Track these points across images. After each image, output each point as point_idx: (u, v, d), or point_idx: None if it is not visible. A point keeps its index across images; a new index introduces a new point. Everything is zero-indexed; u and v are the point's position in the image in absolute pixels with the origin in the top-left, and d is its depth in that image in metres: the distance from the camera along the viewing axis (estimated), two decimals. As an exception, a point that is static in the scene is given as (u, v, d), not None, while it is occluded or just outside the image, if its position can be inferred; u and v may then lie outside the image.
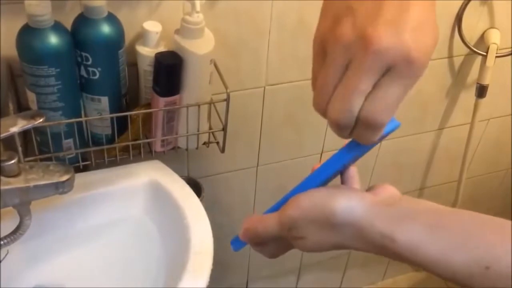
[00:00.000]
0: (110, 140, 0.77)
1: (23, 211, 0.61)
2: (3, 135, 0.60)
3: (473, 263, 0.33)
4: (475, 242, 0.33)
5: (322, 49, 0.34)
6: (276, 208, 0.40)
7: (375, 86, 0.32)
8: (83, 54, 0.69)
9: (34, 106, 0.70)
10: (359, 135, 0.34)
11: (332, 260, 1.39)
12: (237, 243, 0.44)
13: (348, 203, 0.36)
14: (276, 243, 0.41)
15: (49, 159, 0.73)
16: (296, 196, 0.38)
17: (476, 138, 1.26)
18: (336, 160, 0.38)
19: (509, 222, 0.34)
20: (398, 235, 0.34)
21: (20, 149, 0.66)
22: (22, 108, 0.75)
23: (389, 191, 0.39)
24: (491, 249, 0.33)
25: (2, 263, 0.65)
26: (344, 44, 0.32)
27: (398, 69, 0.31)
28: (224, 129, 0.82)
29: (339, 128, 0.34)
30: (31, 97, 0.69)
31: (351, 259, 1.42)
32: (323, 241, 0.38)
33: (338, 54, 0.32)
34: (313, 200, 0.37)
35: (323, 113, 0.35)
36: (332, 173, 0.39)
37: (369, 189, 0.40)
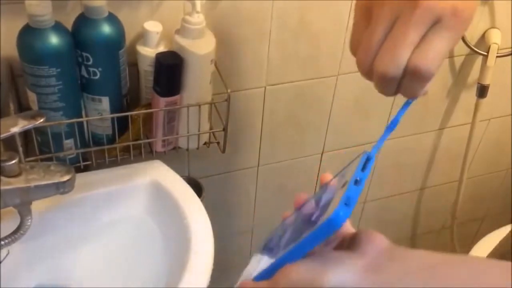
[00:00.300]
0: (111, 140, 0.77)
1: (24, 211, 0.61)
2: (3, 135, 0.60)
3: None
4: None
5: (367, 12, 0.36)
6: (265, 275, 0.40)
7: (422, 39, 0.34)
8: (84, 54, 0.69)
9: (34, 106, 0.70)
10: (406, 88, 0.35)
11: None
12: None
13: (338, 278, 0.36)
14: None
15: (50, 159, 0.73)
16: (285, 268, 0.38)
17: (477, 138, 1.26)
18: (326, 229, 0.36)
19: (508, 264, 0.33)
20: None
21: (20, 149, 0.66)
22: (22, 108, 0.75)
23: (377, 245, 0.38)
24: None
25: (2, 263, 0.65)
26: (392, 2, 0.34)
27: (445, 22, 0.33)
28: (225, 129, 0.82)
29: (386, 81, 0.35)
30: (32, 97, 0.69)
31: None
32: None
33: (386, 11, 0.34)
34: (302, 274, 0.37)
35: (368, 72, 0.36)
36: (321, 241, 0.37)
37: (354, 243, 0.38)
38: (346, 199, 0.35)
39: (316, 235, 0.36)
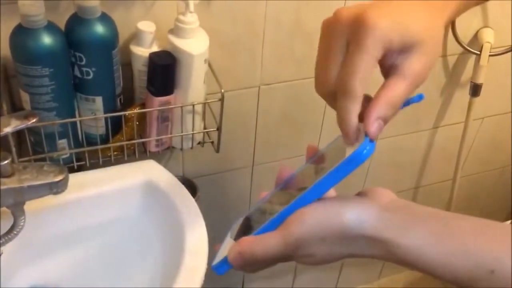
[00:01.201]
0: (105, 140, 0.77)
1: (17, 211, 0.61)
2: (-4, 135, 0.60)
3: (477, 268, 0.33)
4: (479, 247, 0.33)
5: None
6: (270, 227, 0.38)
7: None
8: (77, 54, 0.69)
9: (27, 106, 0.70)
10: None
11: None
12: (223, 267, 0.41)
13: (357, 216, 0.36)
14: (274, 263, 0.39)
15: (43, 159, 0.73)
16: (299, 212, 0.37)
17: (471, 137, 1.26)
18: (335, 176, 0.36)
19: (509, 225, 0.35)
20: (403, 242, 0.35)
21: (13, 149, 0.66)
22: (16, 108, 0.74)
23: (387, 195, 0.38)
24: (495, 253, 0.33)
25: (-4, 264, 0.65)
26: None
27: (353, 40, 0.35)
28: (218, 128, 0.82)
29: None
30: (25, 97, 0.69)
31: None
32: (332, 255, 0.37)
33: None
34: (319, 217, 0.36)
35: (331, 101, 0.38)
36: (329, 188, 0.38)
37: (363, 193, 0.39)
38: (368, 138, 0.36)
39: (341, 170, 0.36)
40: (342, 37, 0.36)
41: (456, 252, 0.34)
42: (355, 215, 0.36)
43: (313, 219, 0.36)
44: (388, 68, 0.38)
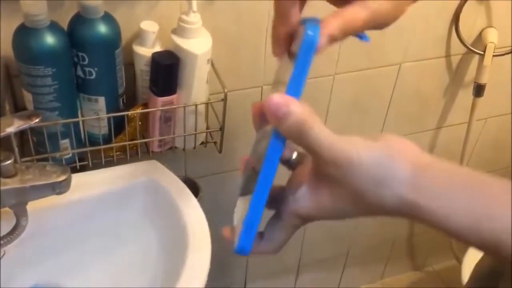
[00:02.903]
0: (107, 140, 0.77)
1: (20, 211, 0.61)
2: (-1, 135, 0.60)
3: (502, 232, 0.32)
4: (506, 211, 0.33)
5: None
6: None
7: None
8: (80, 54, 0.69)
9: (30, 106, 0.70)
10: None
11: (330, 259, 1.39)
12: (246, 244, 0.38)
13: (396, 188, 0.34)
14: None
15: (46, 159, 0.73)
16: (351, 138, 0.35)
17: (474, 137, 1.26)
18: (301, 69, 0.35)
19: None
20: (432, 206, 0.34)
21: (16, 149, 0.66)
22: (18, 108, 0.74)
23: (414, 150, 0.36)
24: None
25: (-2, 264, 0.65)
26: None
27: None
28: (221, 128, 0.82)
29: None
30: (28, 97, 0.69)
31: (350, 258, 1.42)
32: (354, 205, 0.35)
33: None
34: (376, 161, 0.34)
35: None
36: (302, 85, 0.36)
37: (388, 143, 0.36)
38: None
39: (300, 63, 0.35)
40: None
41: (482, 217, 0.33)
42: (394, 189, 0.34)
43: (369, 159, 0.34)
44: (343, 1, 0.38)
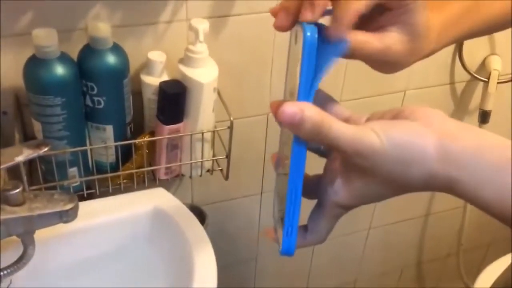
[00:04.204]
0: (115, 168, 0.78)
1: (27, 240, 0.61)
2: (8, 164, 0.60)
3: None
4: None
5: None
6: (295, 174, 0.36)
7: None
8: (89, 84, 0.70)
9: (39, 135, 0.70)
10: None
11: (340, 284, 1.38)
12: (290, 246, 0.38)
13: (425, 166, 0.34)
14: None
15: (54, 187, 0.74)
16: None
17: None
18: (307, 70, 0.35)
19: None
20: (464, 178, 0.33)
21: (25, 178, 0.67)
22: (28, 137, 0.75)
23: (439, 117, 0.36)
24: None
25: (5, 293, 0.65)
26: None
27: None
28: (227, 156, 0.82)
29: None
30: (37, 126, 0.70)
31: (357, 285, 1.40)
32: (395, 175, 0.35)
33: None
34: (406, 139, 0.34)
35: None
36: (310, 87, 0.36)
37: (412, 116, 0.36)
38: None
39: (304, 66, 0.35)
40: None
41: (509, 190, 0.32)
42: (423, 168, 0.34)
43: (400, 139, 0.34)
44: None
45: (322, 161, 0.41)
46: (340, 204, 0.38)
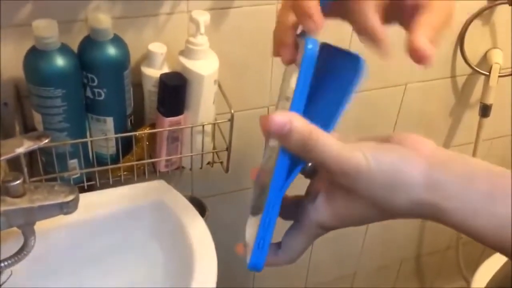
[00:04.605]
0: (115, 160, 0.78)
1: (28, 231, 0.61)
2: (9, 155, 0.60)
3: None
4: None
5: None
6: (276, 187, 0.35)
7: None
8: (89, 75, 0.70)
9: (40, 127, 0.70)
10: None
11: (337, 281, 1.38)
12: (258, 261, 0.37)
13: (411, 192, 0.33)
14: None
15: (54, 179, 0.74)
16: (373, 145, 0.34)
17: (481, 157, 1.25)
18: (303, 81, 0.34)
19: None
20: (449, 205, 0.32)
21: (25, 169, 0.67)
22: (28, 129, 0.75)
23: (427, 145, 0.35)
24: None
25: (5, 284, 0.65)
26: None
27: None
28: (228, 149, 0.82)
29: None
30: (37, 118, 0.70)
31: (356, 280, 1.40)
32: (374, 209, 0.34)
33: None
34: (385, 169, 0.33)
35: None
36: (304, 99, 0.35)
37: (398, 141, 0.35)
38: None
39: (301, 78, 0.34)
40: None
41: (503, 221, 0.31)
42: (408, 194, 0.33)
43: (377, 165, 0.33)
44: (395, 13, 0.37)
45: (303, 183, 0.40)
46: (320, 222, 0.36)
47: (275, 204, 0.36)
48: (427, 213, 0.33)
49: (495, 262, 1.14)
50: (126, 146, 0.77)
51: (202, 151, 0.81)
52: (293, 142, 0.33)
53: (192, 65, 0.74)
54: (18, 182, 0.58)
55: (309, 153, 0.34)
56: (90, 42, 0.69)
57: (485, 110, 1.10)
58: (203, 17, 0.72)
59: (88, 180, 0.77)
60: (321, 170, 0.38)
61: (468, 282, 1.25)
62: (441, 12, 0.36)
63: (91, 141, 0.76)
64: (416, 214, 0.34)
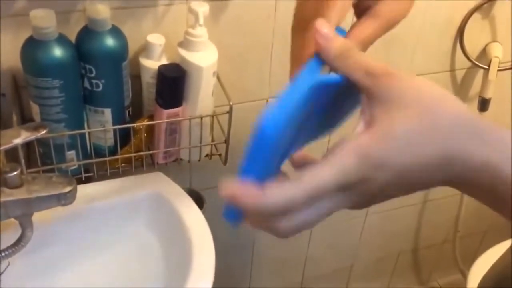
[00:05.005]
0: (113, 151, 0.78)
1: (25, 222, 0.61)
2: (6, 146, 0.60)
3: None
4: None
5: None
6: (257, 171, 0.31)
7: None
8: (87, 66, 0.70)
9: (37, 117, 0.70)
10: None
11: (334, 274, 1.38)
12: (231, 214, 0.33)
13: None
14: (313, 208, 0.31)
15: (52, 170, 0.73)
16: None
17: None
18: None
19: None
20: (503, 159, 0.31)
21: (23, 160, 0.67)
22: (25, 119, 0.75)
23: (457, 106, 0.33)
24: None
25: (3, 275, 0.65)
26: None
27: None
28: (226, 141, 0.82)
29: None
30: (35, 109, 0.70)
31: (353, 273, 1.41)
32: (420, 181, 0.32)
33: None
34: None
35: None
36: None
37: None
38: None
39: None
40: None
41: None
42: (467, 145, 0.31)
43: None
44: (362, 10, 0.39)
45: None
46: (360, 143, 0.32)
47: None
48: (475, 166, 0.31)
49: (491, 256, 1.14)
50: (124, 137, 0.77)
51: (201, 143, 0.80)
52: (336, 47, 0.35)
53: (191, 56, 0.73)
54: (15, 173, 0.58)
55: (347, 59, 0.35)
56: (88, 32, 0.69)
57: (484, 104, 1.10)
58: (202, 8, 0.72)
59: (86, 172, 0.77)
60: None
61: (464, 275, 1.26)
62: (384, 20, 0.39)
63: (89, 133, 0.76)
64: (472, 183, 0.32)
